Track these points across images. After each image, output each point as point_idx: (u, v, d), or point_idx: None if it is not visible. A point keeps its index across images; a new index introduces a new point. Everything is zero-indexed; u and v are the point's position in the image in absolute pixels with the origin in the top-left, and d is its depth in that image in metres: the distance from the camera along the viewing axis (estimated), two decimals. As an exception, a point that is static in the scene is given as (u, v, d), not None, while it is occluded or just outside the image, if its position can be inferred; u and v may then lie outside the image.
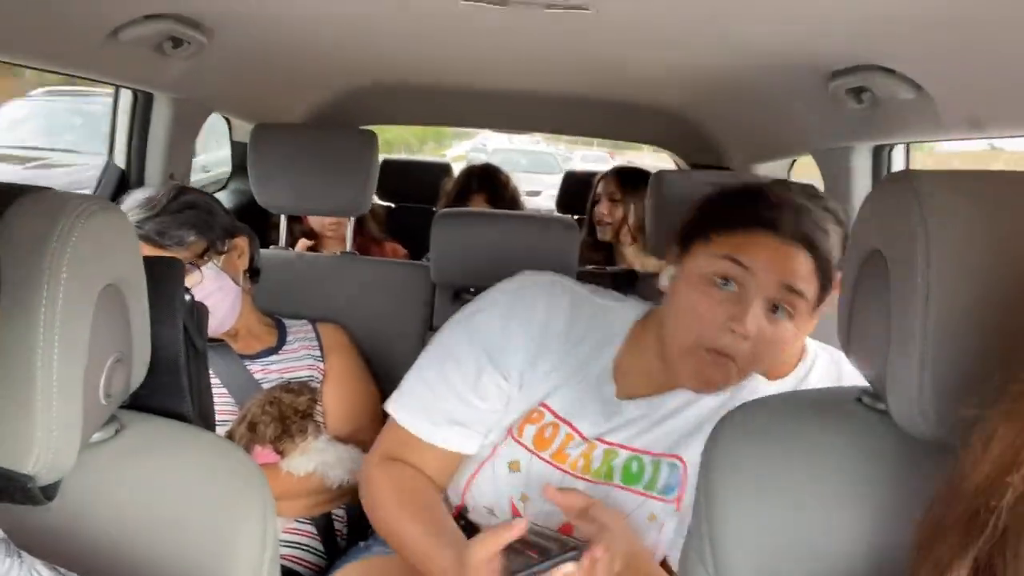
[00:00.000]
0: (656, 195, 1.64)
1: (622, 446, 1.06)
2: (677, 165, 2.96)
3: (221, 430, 1.36)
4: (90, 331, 0.60)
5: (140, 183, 1.86)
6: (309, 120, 2.45)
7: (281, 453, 1.34)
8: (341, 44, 1.69)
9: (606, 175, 2.67)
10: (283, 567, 1.30)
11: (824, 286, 0.97)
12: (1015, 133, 1.37)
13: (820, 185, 1.93)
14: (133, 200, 1.38)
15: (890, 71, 1.28)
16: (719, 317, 0.95)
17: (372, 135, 1.78)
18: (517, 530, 0.88)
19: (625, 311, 1.11)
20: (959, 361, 0.57)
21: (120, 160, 1.88)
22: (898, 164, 1.85)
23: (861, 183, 1.76)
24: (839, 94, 1.45)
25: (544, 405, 1.07)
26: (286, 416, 1.35)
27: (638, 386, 1.07)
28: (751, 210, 0.98)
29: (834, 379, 1.31)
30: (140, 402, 0.75)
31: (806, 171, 2.32)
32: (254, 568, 0.68)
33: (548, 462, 1.06)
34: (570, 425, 1.06)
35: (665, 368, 1.03)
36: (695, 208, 1.07)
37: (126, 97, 1.85)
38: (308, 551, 1.36)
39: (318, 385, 1.47)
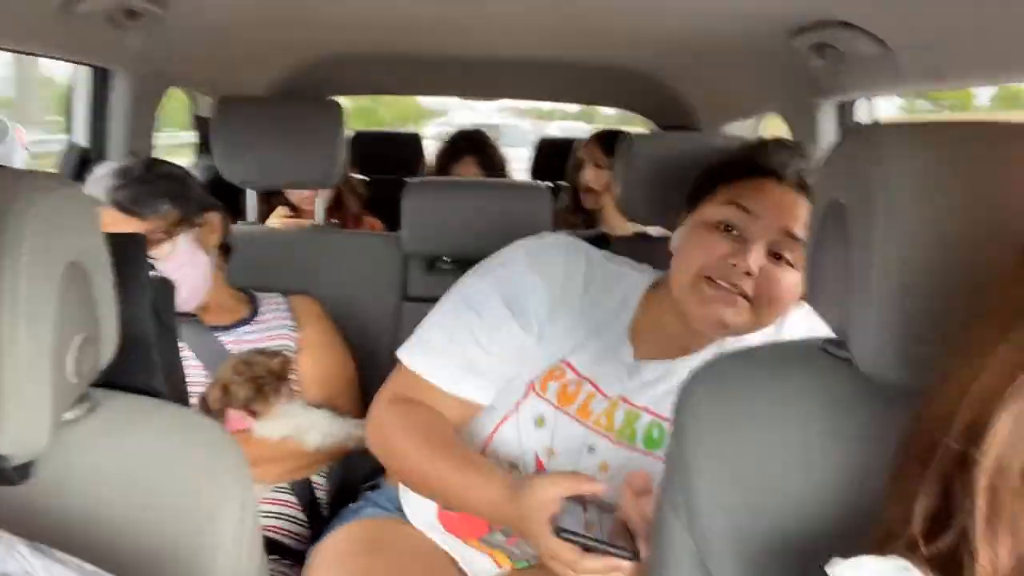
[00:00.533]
0: (626, 157, 1.65)
1: (645, 409, 1.07)
2: (648, 128, 2.96)
3: (196, 402, 1.36)
4: (55, 308, 0.60)
5: (101, 160, 1.82)
6: (274, 93, 2.41)
7: (255, 414, 1.34)
8: (303, 12, 1.66)
9: (588, 141, 2.65)
10: (266, 538, 1.32)
11: None
12: (976, 83, 1.39)
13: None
14: (104, 170, 1.35)
15: (851, 26, 1.29)
16: (721, 251, 0.98)
17: (337, 105, 1.76)
18: (593, 487, 0.88)
19: (638, 276, 1.12)
20: (919, 306, 0.59)
21: (80, 138, 1.84)
22: (862, 116, 1.87)
23: (827, 139, 1.78)
24: (802, 51, 1.46)
25: (566, 363, 1.07)
26: (259, 376, 1.35)
27: (656, 349, 1.08)
28: (755, 158, 1.01)
29: (807, 330, 1.34)
30: (112, 380, 0.75)
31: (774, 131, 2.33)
32: (235, 538, 0.68)
33: (573, 418, 1.06)
34: (592, 383, 1.07)
35: (681, 331, 1.05)
36: (704, 169, 1.09)
37: (84, 73, 1.80)
38: (290, 520, 1.37)
39: (292, 355, 1.47)
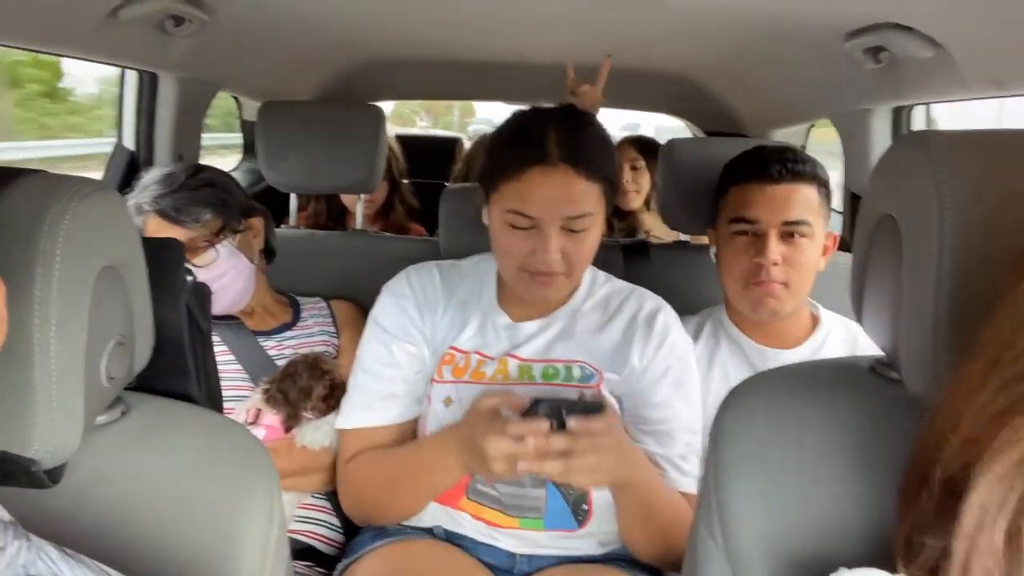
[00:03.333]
0: (667, 163, 1.62)
1: (533, 360, 1.20)
2: (693, 133, 2.92)
3: (236, 405, 1.37)
4: (88, 313, 0.60)
5: (149, 164, 1.86)
6: (317, 97, 2.43)
7: (297, 419, 1.35)
8: (345, 18, 1.66)
9: (622, 142, 2.64)
10: (300, 542, 1.32)
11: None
12: (1039, 89, 1.32)
13: (838, 149, 1.89)
14: (151, 176, 1.38)
15: (907, 29, 1.24)
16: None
17: (379, 110, 1.76)
18: (515, 399, 1.03)
19: (486, 262, 1.29)
20: (973, 328, 0.55)
21: (129, 142, 1.87)
22: (919, 125, 1.81)
23: (880, 146, 1.72)
24: (856, 54, 1.41)
25: (452, 347, 1.23)
26: (313, 385, 1.37)
27: (530, 311, 1.24)
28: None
29: (850, 350, 1.32)
30: (146, 384, 0.76)
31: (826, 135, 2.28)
32: (261, 546, 0.68)
33: (469, 382, 1.19)
34: (479, 353, 1.22)
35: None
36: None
37: (132, 78, 1.84)
38: (325, 526, 1.37)
39: (332, 359, 1.47)
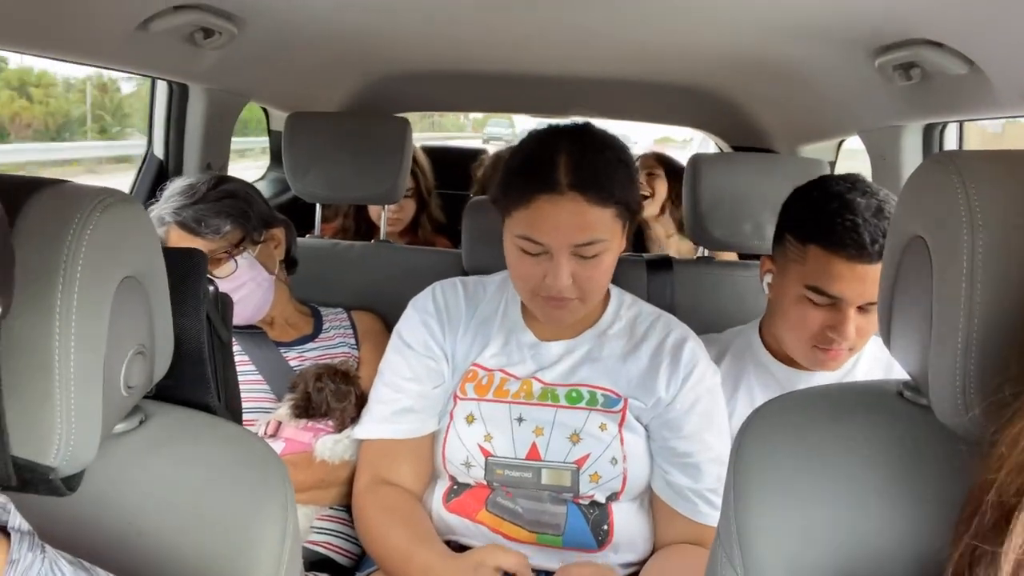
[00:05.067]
0: (693, 179, 1.60)
1: (558, 384, 1.20)
2: (720, 148, 2.90)
3: (257, 415, 1.37)
4: (108, 323, 0.60)
5: (179, 173, 1.88)
6: (344, 108, 2.45)
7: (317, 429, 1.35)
8: (371, 31, 1.68)
9: (646, 154, 2.67)
10: (317, 553, 1.32)
11: None
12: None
13: (868, 166, 1.86)
14: (174, 187, 1.40)
15: (939, 45, 1.22)
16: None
17: (405, 122, 1.77)
18: (520, 562, 1.07)
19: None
20: (1004, 355, 0.54)
21: (159, 151, 1.90)
22: (951, 144, 1.77)
23: (911, 164, 1.69)
24: (887, 70, 1.39)
25: (475, 364, 1.23)
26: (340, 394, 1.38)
27: (555, 331, 1.23)
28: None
29: (883, 370, 1.28)
30: (165, 393, 0.76)
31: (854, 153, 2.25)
32: (275, 558, 0.68)
33: (493, 400, 1.20)
34: (503, 372, 1.22)
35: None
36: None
37: (163, 88, 1.87)
38: (342, 538, 1.37)
39: (353, 371, 1.47)
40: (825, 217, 1.16)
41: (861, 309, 1.17)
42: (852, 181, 1.20)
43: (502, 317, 1.25)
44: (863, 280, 1.13)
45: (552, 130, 1.15)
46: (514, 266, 1.14)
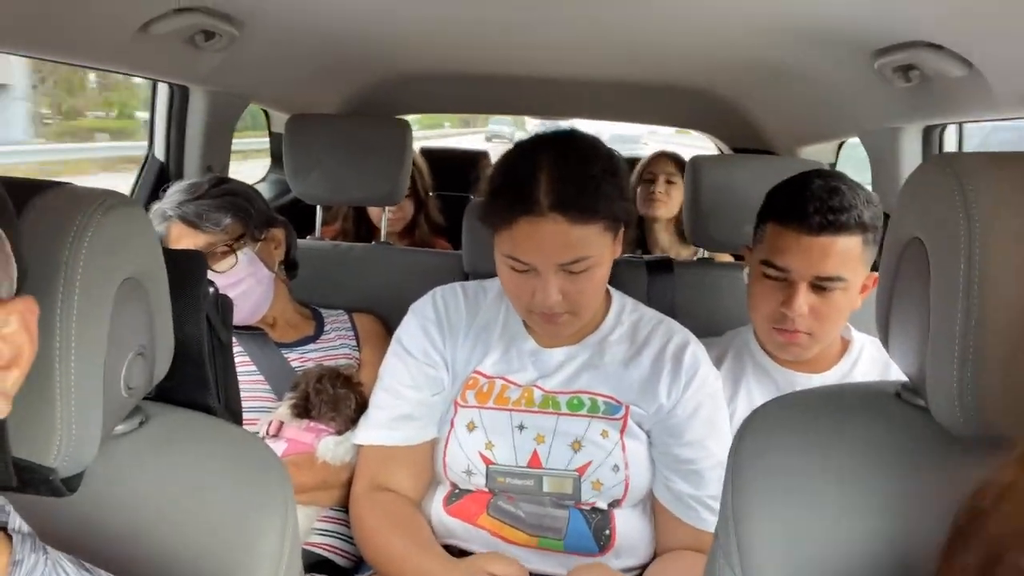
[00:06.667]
0: (693, 180, 1.60)
1: (559, 391, 1.19)
2: (720, 150, 2.90)
3: (258, 415, 1.37)
4: (109, 324, 0.60)
5: (179, 176, 1.89)
6: (345, 110, 2.45)
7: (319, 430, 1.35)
8: (372, 33, 1.68)
9: (655, 156, 2.65)
10: (317, 555, 1.32)
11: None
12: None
13: (867, 168, 1.86)
14: (177, 187, 1.41)
15: (938, 47, 1.22)
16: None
17: (405, 124, 1.78)
18: (518, 571, 1.07)
19: None
20: (1002, 357, 0.54)
21: (160, 153, 1.90)
22: (951, 146, 1.77)
23: (910, 166, 1.69)
24: (886, 72, 1.39)
25: (476, 371, 1.22)
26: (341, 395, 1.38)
27: (555, 338, 1.21)
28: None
29: (881, 371, 1.29)
30: (166, 394, 0.76)
31: (855, 153, 2.25)
32: (274, 559, 0.68)
33: (494, 408, 1.19)
34: (504, 379, 1.21)
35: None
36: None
37: (163, 90, 1.87)
38: (342, 539, 1.37)
39: (354, 373, 1.47)
40: (781, 196, 1.24)
41: (817, 289, 1.20)
42: (820, 170, 1.26)
43: (503, 324, 1.24)
44: (808, 251, 1.18)
45: (535, 142, 1.11)
46: (505, 282, 1.14)
